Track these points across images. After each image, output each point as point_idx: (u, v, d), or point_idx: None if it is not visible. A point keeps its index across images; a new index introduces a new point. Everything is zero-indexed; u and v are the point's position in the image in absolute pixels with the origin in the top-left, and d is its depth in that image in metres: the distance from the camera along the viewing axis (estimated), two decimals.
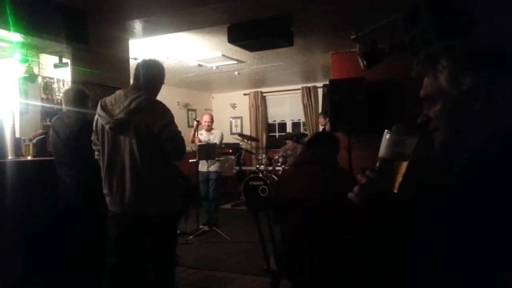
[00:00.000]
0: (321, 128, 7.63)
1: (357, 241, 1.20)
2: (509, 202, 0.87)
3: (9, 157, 3.74)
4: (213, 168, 6.42)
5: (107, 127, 2.75)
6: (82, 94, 3.62)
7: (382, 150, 1.11)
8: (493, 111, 0.97)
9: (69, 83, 4.59)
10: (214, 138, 6.58)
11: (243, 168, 9.05)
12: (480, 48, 1.02)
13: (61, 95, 5.23)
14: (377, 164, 1.12)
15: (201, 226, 6.13)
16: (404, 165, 1.09)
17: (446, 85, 1.02)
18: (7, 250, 3.35)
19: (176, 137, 2.76)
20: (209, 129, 6.69)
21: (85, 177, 3.39)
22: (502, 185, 0.90)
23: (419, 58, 1.09)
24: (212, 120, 6.79)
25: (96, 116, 2.84)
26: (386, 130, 1.12)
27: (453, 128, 1.03)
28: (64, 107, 3.58)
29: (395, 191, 1.09)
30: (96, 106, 2.85)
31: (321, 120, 7.51)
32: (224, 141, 9.15)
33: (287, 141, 8.67)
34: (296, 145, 8.10)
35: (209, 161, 6.27)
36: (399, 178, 1.09)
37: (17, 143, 4.07)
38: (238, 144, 9.75)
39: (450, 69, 1.01)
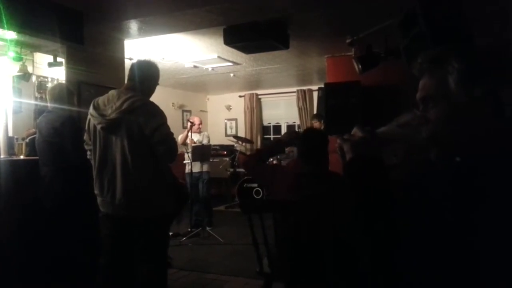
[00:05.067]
0: None
1: (352, 240, 1.19)
2: (504, 207, 0.87)
3: (2, 156, 3.72)
4: (205, 168, 6.42)
5: (98, 127, 2.74)
6: (66, 91, 3.61)
7: (396, 127, 1.09)
8: (498, 118, 0.96)
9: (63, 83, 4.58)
10: (203, 140, 6.63)
11: (237, 170, 9.04)
12: (494, 55, 1.00)
13: None
14: (379, 130, 1.10)
15: (194, 229, 6.10)
16: (401, 146, 1.07)
17: (454, 87, 0.98)
18: None
19: (168, 139, 2.74)
20: (200, 131, 6.72)
21: (64, 178, 3.37)
22: (497, 191, 0.90)
23: (425, 57, 1.05)
24: (201, 122, 6.86)
25: (89, 116, 2.82)
26: (414, 110, 1.09)
27: (453, 131, 1.00)
28: (49, 105, 3.56)
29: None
30: (89, 105, 2.83)
31: (317, 124, 7.49)
32: (218, 143, 9.14)
33: None
34: (292, 148, 8.07)
35: (202, 162, 6.28)
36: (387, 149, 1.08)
37: (10, 142, 4.05)
38: (232, 146, 9.74)
39: (461, 71, 0.98)
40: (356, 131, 1.10)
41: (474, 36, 2.38)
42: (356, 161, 1.08)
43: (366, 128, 1.10)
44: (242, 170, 9.17)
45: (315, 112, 9.07)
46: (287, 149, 8.30)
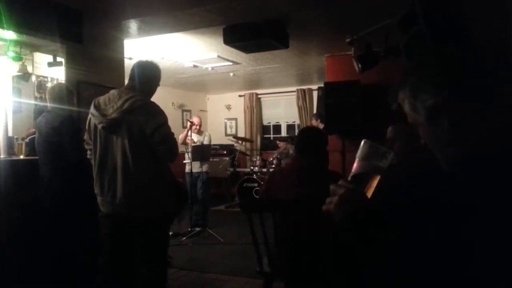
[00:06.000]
0: None
1: (351, 243, 1.18)
2: (503, 208, 0.87)
3: (2, 156, 3.72)
4: (204, 169, 6.41)
5: (99, 126, 2.73)
6: (66, 91, 3.61)
7: (362, 162, 1.09)
8: (465, 124, 0.97)
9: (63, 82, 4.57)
10: (204, 140, 6.59)
11: (237, 169, 9.04)
12: (432, 68, 1.03)
13: None
14: (352, 175, 1.10)
15: (196, 228, 6.10)
16: (377, 178, 1.08)
17: (412, 113, 1.05)
18: None
19: (169, 139, 2.74)
20: (199, 131, 6.69)
21: (63, 177, 3.36)
22: (497, 190, 0.90)
23: (389, 93, 1.12)
24: (201, 123, 6.80)
25: (89, 115, 2.82)
26: (364, 140, 1.10)
27: (439, 149, 1.04)
28: (48, 104, 3.56)
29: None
30: (90, 105, 2.83)
31: (314, 122, 7.52)
32: (218, 142, 9.14)
33: (279, 144, 8.66)
34: (291, 147, 8.10)
35: (202, 162, 6.26)
36: (371, 191, 1.08)
37: (9, 142, 4.05)
38: (232, 145, 9.75)
39: (408, 99, 1.04)
40: (335, 189, 1.09)
41: (473, 35, 2.38)
42: (350, 221, 1.07)
43: (340, 184, 1.09)
44: (242, 169, 9.19)
45: (315, 111, 9.08)
46: (283, 147, 8.34)
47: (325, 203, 1.12)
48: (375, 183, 1.09)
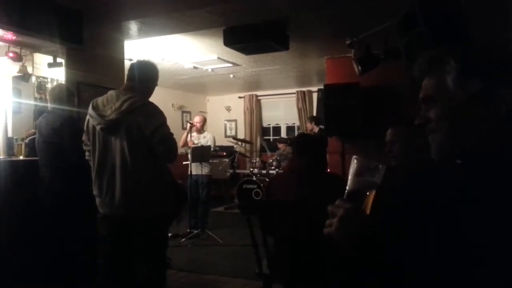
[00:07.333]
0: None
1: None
2: (503, 208, 0.87)
3: (1, 157, 3.72)
4: (205, 171, 6.36)
5: (98, 127, 2.73)
6: (66, 92, 3.61)
7: (355, 178, 1.07)
8: (496, 117, 0.96)
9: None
10: (207, 141, 6.50)
11: (237, 171, 9.03)
12: (489, 53, 1.00)
13: None
14: (347, 192, 1.07)
15: (194, 230, 6.09)
16: (373, 194, 1.06)
17: (452, 86, 0.99)
18: None
19: (168, 139, 2.73)
20: (200, 131, 6.60)
21: (63, 178, 3.36)
22: (497, 191, 0.90)
23: (424, 58, 1.06)
24: (203, 122, 6.65)
25: (88, 116, 2.81)
26: (354, 156, 1.09)
27: (453, 130, 1.00)
28: (49, 105, 3.56)
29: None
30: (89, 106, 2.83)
31: (309, 125, 7.56)
32: (218, 144, 9.12)
33: (279, 145, 8.67)
34: (290, 149, 8.10)
35: (202, 164, 6.22)
36: (369, 207, 1.06)
37: (9, 143, 4.04)
38: (232, 147, 9.74)
39: (459, 70, 0.99)
40: (331, 210, 1.08)
41: (473, 36, 2.38)
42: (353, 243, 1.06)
43: (337, 205, 1.07)
44: (241, 171, 9.18)
45: (314, 113, 9.09)
46: (282, 148, 8.35)
47: (326, 226, 1.10)
48: (371, 198, 1.06)
